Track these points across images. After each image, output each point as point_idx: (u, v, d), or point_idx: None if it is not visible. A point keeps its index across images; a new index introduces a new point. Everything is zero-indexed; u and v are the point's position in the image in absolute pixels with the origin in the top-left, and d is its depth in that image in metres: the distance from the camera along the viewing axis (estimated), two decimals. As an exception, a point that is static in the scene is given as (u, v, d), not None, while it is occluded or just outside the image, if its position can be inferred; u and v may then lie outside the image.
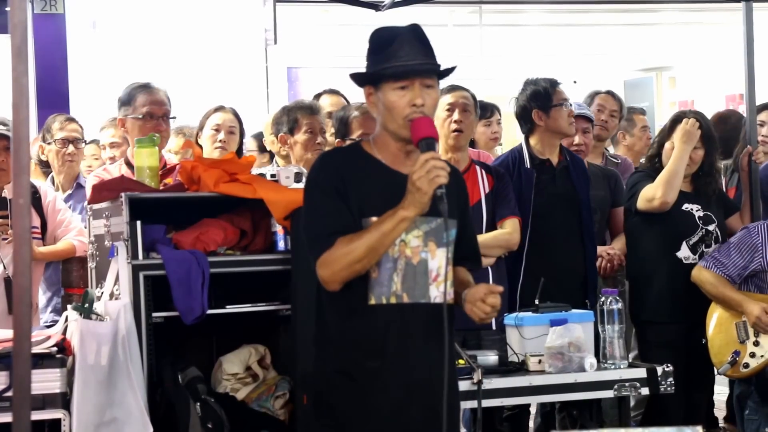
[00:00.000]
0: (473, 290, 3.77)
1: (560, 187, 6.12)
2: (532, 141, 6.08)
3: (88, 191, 5.87)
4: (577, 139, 6.58)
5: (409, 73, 3.69)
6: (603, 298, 5.17)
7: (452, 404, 3.74)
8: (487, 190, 5.74)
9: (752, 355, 5.74)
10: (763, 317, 5.68)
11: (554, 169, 6.13)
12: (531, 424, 6.63)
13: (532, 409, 6.61)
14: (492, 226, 5.70)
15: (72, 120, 6.87)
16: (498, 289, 3.79)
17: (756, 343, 5.74)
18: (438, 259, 3.73)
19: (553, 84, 6.06)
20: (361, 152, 3.83)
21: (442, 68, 3.78)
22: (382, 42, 3.76)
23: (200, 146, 6.17)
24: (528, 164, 5.99)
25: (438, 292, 3.73)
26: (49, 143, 6.71)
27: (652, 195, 5.97)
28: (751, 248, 5.82)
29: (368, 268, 3.64)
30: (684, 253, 6.07)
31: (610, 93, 7.33)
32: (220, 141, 6.45)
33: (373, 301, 3.68)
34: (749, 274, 5.84)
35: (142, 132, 5.73)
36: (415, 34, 3.74)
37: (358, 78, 3.82)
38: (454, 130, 5.73)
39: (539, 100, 6.04)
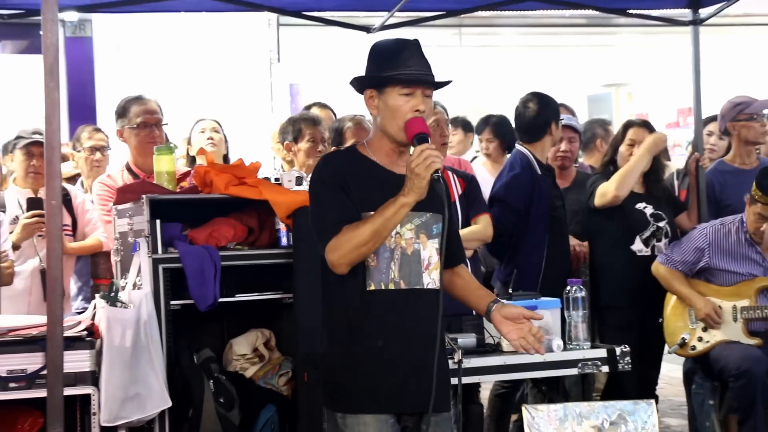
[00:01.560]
0: (506, 309, 3.79)
1: (555, 189, 6.22)
2: (536, 149, 6.08)
3: (94, 195, 5.91)
4: (564, 146, 6.61)
5: (416, 82, 3.68)
6: (568, 287, 5.17)
7: (443, 382, 3.73)
8: (459, 192, 5.77)
9: (700, 339, 5.77)
10: (710, 315, 5.71)
11: (553, 173, 6.25)
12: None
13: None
14: (466, 223, 5.74)
15: (99, 130, 6.86)
16: (537, 316, 3.83)
17: (704, 329, 5.76)
18: (428, 250, 3.72)
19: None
20: (357, 154, 3.80)
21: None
22: (390, 51, 3.74)
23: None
24: (539, 170, 6.01)
25: (429, 279, 3.71)
26: (78, 151, 6.70)
27: (605, 190, 6.02)
28: (699, 250, 5.86)
29: (372, 251, 3.62)
30: (638, 246, 6.12)
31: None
32: (209, 139, 6.51)
33: (372, 287, 3.66)
34: (699, 267, 5.86)
35: (138, 140, 5.77)
36: (418, 47, 3.75)
37: (361, 81, 3.78)
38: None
39: (557, 114, 6.15)
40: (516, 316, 3.77)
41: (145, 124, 5.74)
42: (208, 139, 6.51)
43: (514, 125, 6.28)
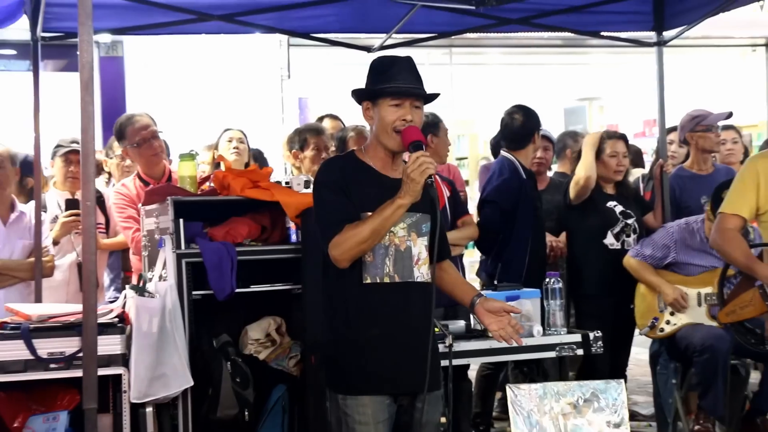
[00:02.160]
0: (489, 303, 3.80)
1: (536, 191, 6.23)
2: (521, 155, 6.09)
3: (111, 203, 5.92)
4: (540, 154, 6.62)
5: (403, 94, 3.65)
6: (547, 279, 5.17)
7: (435, 364, 3.71)
8: (447, 195, 5.78)
9: (668, 322, 5.76)
10: (677, 300, 5.71)
11: (534, 177, 6.25)
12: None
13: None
14: (453, 224, 5.76)
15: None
16: (516, 310, 3.83)
17: (672, 314, 5.75)
18: (419, 246, 3.70)
19: None
20: (355, 159, 3.77)
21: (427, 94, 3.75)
22: (383, 66, 3.72)
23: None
24: (524, 175, 6.02)
25: (419, 273, 3.69)
26: (110, 158, 6.68)
27: (576, 179, 6.06)
28: (666, 247, 5.84)
29: (371, 247, 3.60)
30: (609, 240, 6.12)
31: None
32: (234, 148, 6.47)
33: (368, 281, 3.64)
34: (667, 260, 5.86)
35: (141, 156, 5.79)
36: (409, 63, 3.72)
37: (358, 94, 3.76)
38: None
39: (539, 125, 6.20)
40: (497, 310, 3.77)
41: (143, 140, 5.73)
42: (234, 147, 6.48)
43: (500, 135, 6.26)
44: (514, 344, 3.81)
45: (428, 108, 4.00)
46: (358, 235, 3.56)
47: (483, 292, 5.14)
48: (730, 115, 6.55)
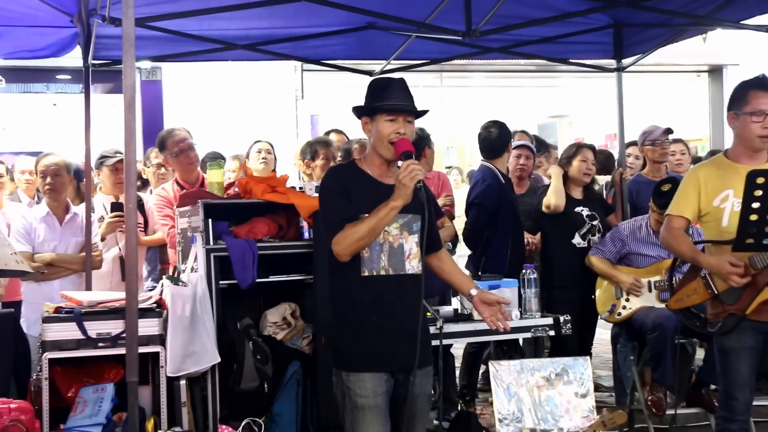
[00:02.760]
0: (485, 295, 3.80)
1: (513, 194, 6.22)
2: (498, 163, 6.08)
3: (152, 204, 5.93)
4: (522, 161, 6.60)
5: (397, 110, 3.64)
6: (524, 271, 5.17)
7: (425, 343, 3.71)
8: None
9: (624, 307, 5.76)
10: (633, 284, 5.71)
11: (511, 182, 6.26)
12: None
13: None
14: None
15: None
16: (506, 301, 3.83)
17: (627, 300, 5.76)
18: (410, 243, 3.68)
19: None
20: (355, 167, 3.76)
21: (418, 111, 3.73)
22: (379, 87, 3.71)
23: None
24: (503, 180, 6.01)
25: (410, 266, 3.67)
26: (148, 167, 6.68)
27: (547, 203, 6.09)
28: (621, 241, 5.86)
29: (368, 244, 3.59)
30: (577, 240, 6.13)
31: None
32: (263, 158, 6.47)
33: (366, 273, 3.62)
34: (622, 256, 5.87)
35: (180, 164, 5.78)
36: (402, 84, 3.71)
37: (359, 110, 3.74)
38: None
39: (510, 136, 6.21)
40: (492, 302, 3.77)
41: (180, 151, 5.72)
42: (262, 157, 6.48)
43: (479, 146, 6.24)
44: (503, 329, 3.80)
45: (422, 124, 3.99)
46: (356, 233, 3.55)
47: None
48: (669, 130, 6.56)
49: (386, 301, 3.64)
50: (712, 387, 5.38)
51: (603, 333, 6.88)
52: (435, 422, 4.88)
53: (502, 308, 3.76)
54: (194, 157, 5.82)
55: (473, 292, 3.81)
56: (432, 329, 4.26)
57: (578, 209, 6.15)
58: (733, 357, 4.12)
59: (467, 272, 6.12)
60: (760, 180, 3.51)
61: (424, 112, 3.75)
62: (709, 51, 11.87)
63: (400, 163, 3.57)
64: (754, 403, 4.29)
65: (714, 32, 6.54)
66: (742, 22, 5.77)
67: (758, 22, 5.80)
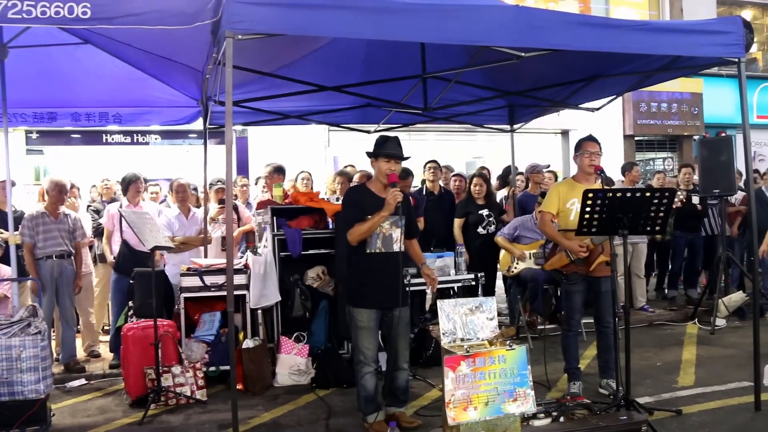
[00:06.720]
0: (425, 268, 3.73)
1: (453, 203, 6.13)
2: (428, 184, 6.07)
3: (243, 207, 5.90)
4: (457, 183, 6.52)
5: (391, 156, 3.61)
6: (457, 247, 5.23)
7: (404, 293, 3.64)
8: (412, 204, 5.69)
9: (515, 268, 5.75)
10: (521, 255, 5.67)
11: (435, 195, 6.12)
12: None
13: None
14: None
15: (245, 178, 6.82)
16: (433, 275, 3.72)
17: (517, 264, 5.74)
18: (396, 233, 3.65)
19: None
20: (365, 188, 3.73)
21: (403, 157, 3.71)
22: (382, 141, 3.67)
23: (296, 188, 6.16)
24: (425, 192, 5.95)
25: (396, 247, 3.64)
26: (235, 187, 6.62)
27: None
28: (514, 228, 5.84)
29: (369, 235, 3.56)
30: (480, 230, 6.02)
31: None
32: (305, 182, 6.38)
33: (369, 251, 3.61)
34: (514, 237, 5.83)
35: (267, 187, 5.77)
36: (396, 140, 3.67)
37: (368, 154, 3.70)
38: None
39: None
40: (427, 274, 3.71)
41: (270, 178, 5.75)
42: (305, 183, 6.40)
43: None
44: (441, 278, 3.80)
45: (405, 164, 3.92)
46: (361, 229, 3.55)
47: (426, 254, 5.18)
48: (548, 165, 6.54)
49: (380, 267, 3.62)
50: (562, 312, 5.41)
51: (502, 284, 6.89)
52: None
53: (431, 278, 3.72)
54: (277, 180, 5.79)
55: (421, 265, 3.78)
56: (405, 282, 4.25)
57: (482, 212, 6.06)
58: (574, 295, 4.16)
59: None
60: (590, 195, 3.55)
61: (407, 158, 3.74)
62: (561, 120, 11.83)
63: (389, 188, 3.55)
64: (583, 320, 4.31)
65: (564, 110, 6.50)
66: (579, 105, 5.82)
67: (589, 106, 5.86)
